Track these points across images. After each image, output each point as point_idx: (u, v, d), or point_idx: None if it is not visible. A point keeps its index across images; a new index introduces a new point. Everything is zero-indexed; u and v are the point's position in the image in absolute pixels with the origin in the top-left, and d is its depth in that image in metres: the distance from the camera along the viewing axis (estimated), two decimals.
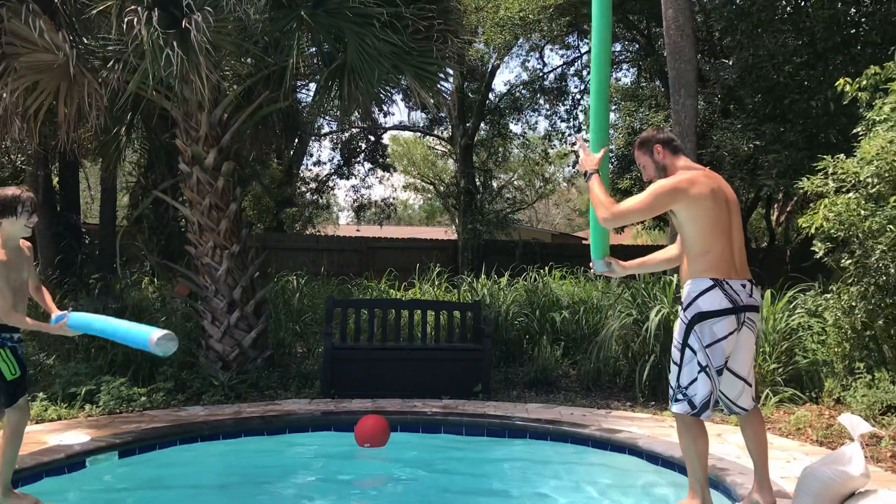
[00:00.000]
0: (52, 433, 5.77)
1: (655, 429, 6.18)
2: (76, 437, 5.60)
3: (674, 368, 3.68)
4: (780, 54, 11.17)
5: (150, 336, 3.84)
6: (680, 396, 3.62)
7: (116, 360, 7.82)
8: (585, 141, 4.01)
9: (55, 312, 4.16)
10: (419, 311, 8.89)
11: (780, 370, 7.22)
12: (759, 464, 3.80)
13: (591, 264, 4.21)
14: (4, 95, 6.75)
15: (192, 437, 6.02)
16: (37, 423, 6.32)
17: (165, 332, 3.86)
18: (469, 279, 11.82)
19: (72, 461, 5.13)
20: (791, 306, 7.74)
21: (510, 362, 9.18)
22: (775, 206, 20.61)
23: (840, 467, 3.67)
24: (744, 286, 3.60)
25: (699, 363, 3.56)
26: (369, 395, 7.53)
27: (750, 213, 19.76)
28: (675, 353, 3.68)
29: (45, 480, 4.76)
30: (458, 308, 8.88)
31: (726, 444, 5.63)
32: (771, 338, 7.34)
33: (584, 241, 28.59)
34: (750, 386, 3.73)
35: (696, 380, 3.57)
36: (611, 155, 20.07)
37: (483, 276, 11.63)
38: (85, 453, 5.25)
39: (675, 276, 7.79)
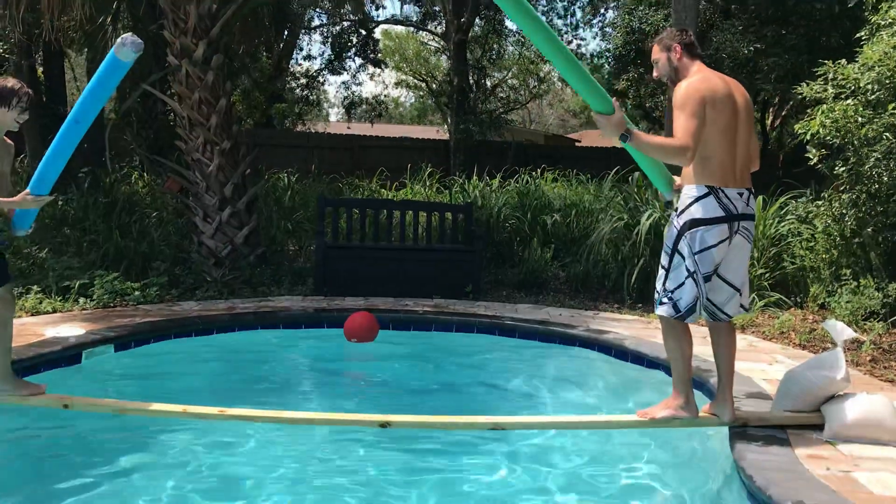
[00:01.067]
0: (48, 326, 5.83)
1: (642, 330, 6.30)
2: (72, 329, 5.67)
3: (661, 272, 3.71)
4: None
5: (113, 52, 3.56)
6: (665, 300, 3.66)
7: (109, 255, 7.85)
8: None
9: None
10: (411, 212, 8.90)
11: (767, 275, 7.32)
12: (725, 376, 3.83)
13: (661, 196, 4.11)
14: None
15: (187, 332, 6.11)
16: (32, 315, 6.38)
17: (123, 36, 3.57)
18: (461, 180, 11.78)
19: (68, 353, 5.20)
20: (782, 212, 7.79)
21: (500, 264, 9.27)
22: (770, 110, 20.42)
23: (822, 372, 3.78)
24: (741, 194, 3.57)
25: (687, 269, 3.58)
26: (361, 294, 7.62)
27: None
28: (664, 258, 3.70)
29: (44, 372, 4.84)
30: (449, 209, 8.88)
31: (710, 345, 5.75)
32: (760, 243, 7.41)
33: (577, 143, 28.41)
34: (740, 294, 3.74)
35: (682, 285, 3.59)
36: (608, 55, 19.74)
37: (475, 178, 11.59)
38: (81, 345, 5.33)
39: None
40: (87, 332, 5.61)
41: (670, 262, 3.65)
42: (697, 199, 3.55)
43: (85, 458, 3.91)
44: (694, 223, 3.55)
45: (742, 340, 6.03)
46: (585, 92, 3.51)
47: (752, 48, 10.71)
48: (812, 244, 7.20)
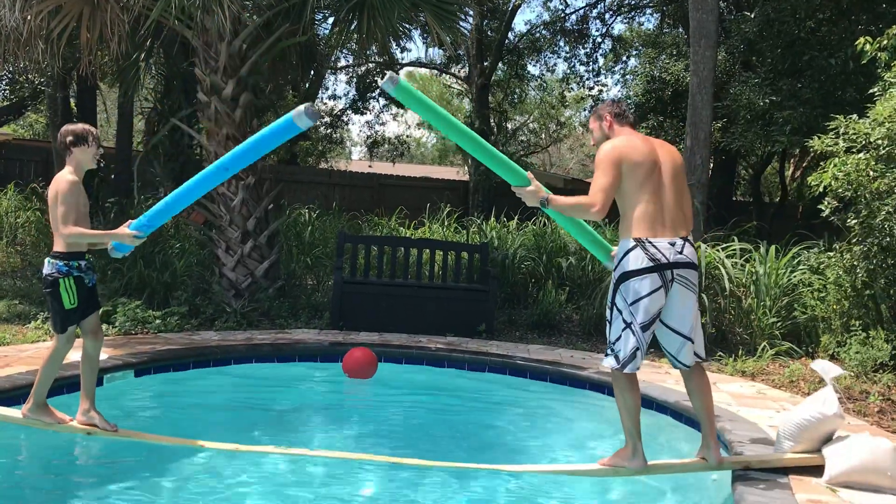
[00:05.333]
0: (70, 350, 5.98)
1: (652, 375, 6.37)
2: None
3: (606, 325, 3.85)
4: (803, 9, 11.01)
5: (292, 117, 3.61)
6: (609, 351, 3.79)
7: (132, 283, 8.04)
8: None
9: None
10: (428, 251, 9.05)
11: (779, 324, 7.38)
12: (705, 421, 3.91)
13: (606, 267, 4.31)
14: (29, 18, 6.81)
15: (206, 361, 6.27)
16: None
17: (306, 105, 3.61)
18: (479, 221, 11.94)
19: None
20: (795, 262, 7.87)
21: (514, 304, 9.38)
22: (791, 161, 20.53)
23: (814, 408, 3.86)
24: (672, 244, 3.67)
25: (624, 320, 3.71)
26: (376, 329, 7.75)
27: (764, 168, 19.70)
28: (606, 311, 3.85)
29: (67, 394, 4.99)
30: (465, 249, 9.03)
31: (720, 392, 5.82)
32: (772, 292, 7.48)
33: None
34: (692, 342, 3.81)
35: (620, 336, 3.73)
36: (629, 102, 20.00)
37: (493, 219, 11.75)
38: (102, 371, 5.45)
39: None
40: (109, 358, 5.76)
41: (611, 314, 3.80)
42: (626, 253, 3.70)
43: (100, 477, 4.04)
44: (626, 275, 3.69)
45: (752, 388, 6.10)
46: (500, 170, 3.82)
47: (767, 100, 10.86)
48: (823, 295, 7.27)
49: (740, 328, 7.56)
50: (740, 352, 7.15)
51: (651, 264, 3.63)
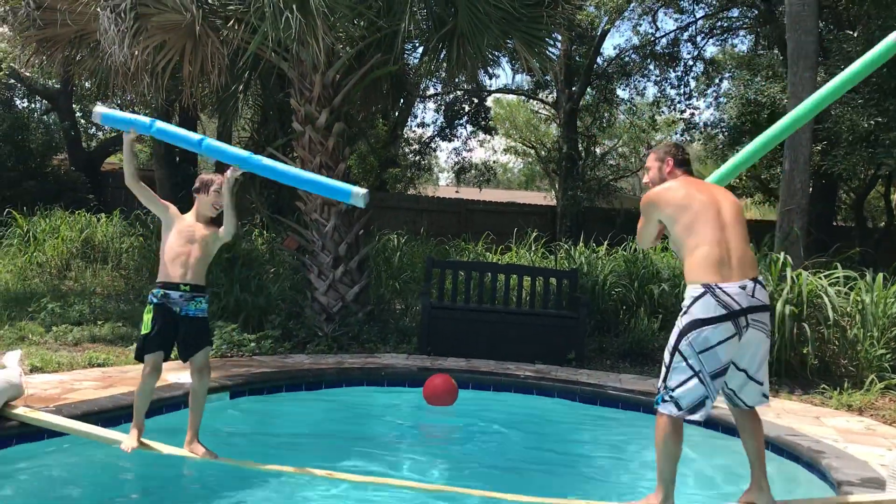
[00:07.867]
0: (170, 372, 6.15)
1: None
2: (192, 377, 5.98)
3: (663, 369, 3.63)
4: None
5: (351, 193, 4.15)
6: (667, 398, 3.56)
7: (229, 307, 8.27)
8: None
9: None
10: (515, 276, 9.00)
11: (889, 356, 7.00)
12: (755, 464, 3.71)
13: None
14: (136, 53, 7.16)
15: (298, 384, 6.38)
16: None
17: (364, 193, 4.14)
18: (567, 246, 11.81)
19: (188, 398, 5.49)
20: None
21: (605, 332, 9.20)
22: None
23: None
24: (743, 287, 3.46)
25: (692, 368, 3.49)
26: (463, 355, 7.74)
27: (868, 192, 18.86)
28: (666, 355, 3.62)
29: (166, 414, 5.16)
30: (554, 275, 8.93)
31: (824, 426, 5.55)
32: (880, 322, 7.11)
33: None
34: (759, 384, 3.61)
35: (684, 383, 3.50)
36: (722, 125, 19.53)
37: (581, 244, 11.60)
38: None
39: (783, 254, 7.62)
40: None
41: (671, 360, 3.58)
42: (696, 299, 3.50)
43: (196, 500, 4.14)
44: (695, 323, 3.49)
45: (859, 423, 5.80)
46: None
47: (872, 122, 10.40)
48: None
49: (845, 359, 7.21)
50: (846, 384, 6.80)
51: (724, 312, 3.43)
